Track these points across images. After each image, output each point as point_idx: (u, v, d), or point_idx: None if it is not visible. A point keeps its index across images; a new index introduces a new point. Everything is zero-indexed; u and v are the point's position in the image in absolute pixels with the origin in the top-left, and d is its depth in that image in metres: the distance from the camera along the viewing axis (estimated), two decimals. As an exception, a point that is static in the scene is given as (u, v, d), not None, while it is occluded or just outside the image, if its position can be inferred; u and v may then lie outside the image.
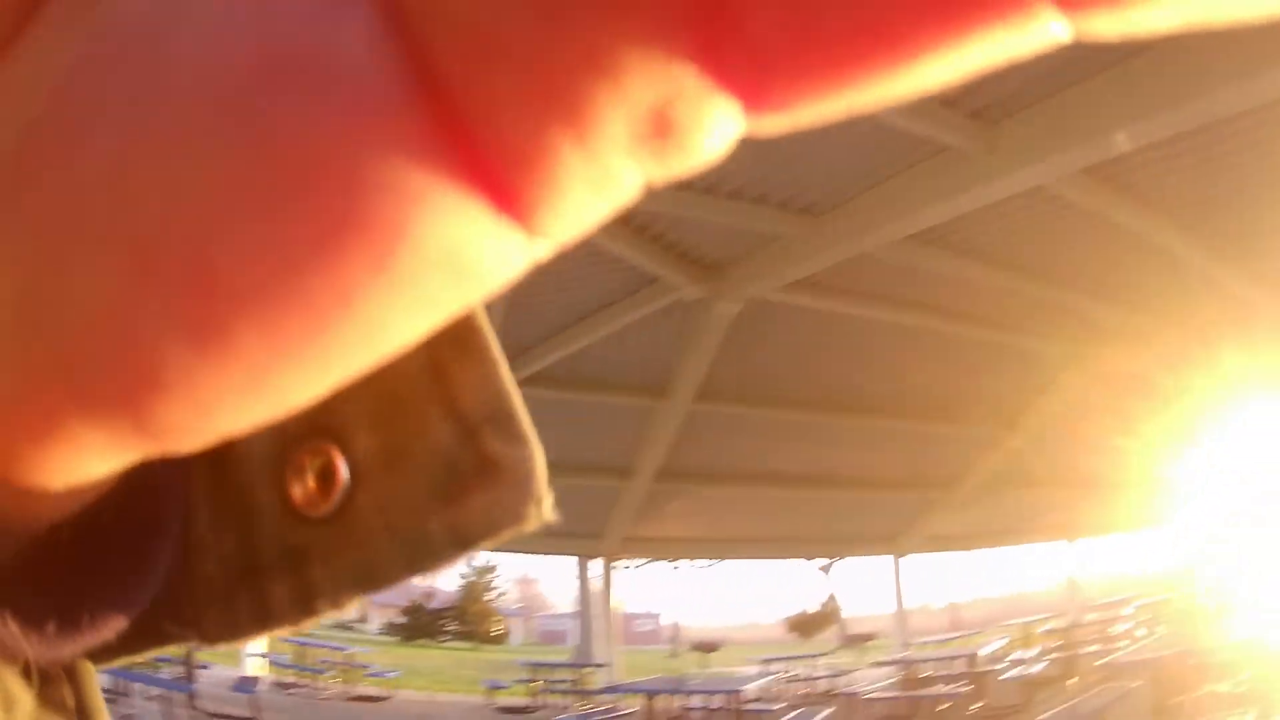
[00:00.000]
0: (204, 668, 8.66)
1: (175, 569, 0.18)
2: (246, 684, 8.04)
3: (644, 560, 18.47)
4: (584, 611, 10.51)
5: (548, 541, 8.91)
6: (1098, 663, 8.11)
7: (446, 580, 28.61)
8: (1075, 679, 7.90)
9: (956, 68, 0.09)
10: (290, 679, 11.07)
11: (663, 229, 4.65)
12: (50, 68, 0.11)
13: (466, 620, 27.40)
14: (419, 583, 13.01)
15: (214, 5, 0.10)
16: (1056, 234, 4.70)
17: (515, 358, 4.20)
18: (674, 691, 8.97)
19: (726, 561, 15.96)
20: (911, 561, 11.31)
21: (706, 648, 23.86)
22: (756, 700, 9.29)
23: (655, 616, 34.00)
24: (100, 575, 0.16)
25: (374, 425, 0.17)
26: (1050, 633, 10.19)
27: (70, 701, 0.17)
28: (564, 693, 10.04)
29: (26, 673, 0.15)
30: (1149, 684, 6.57)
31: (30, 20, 0.11)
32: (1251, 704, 5.59)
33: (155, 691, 7.71)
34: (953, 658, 9.17)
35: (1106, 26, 0.09)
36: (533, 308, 5.02)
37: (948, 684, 8.30)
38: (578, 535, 8.56)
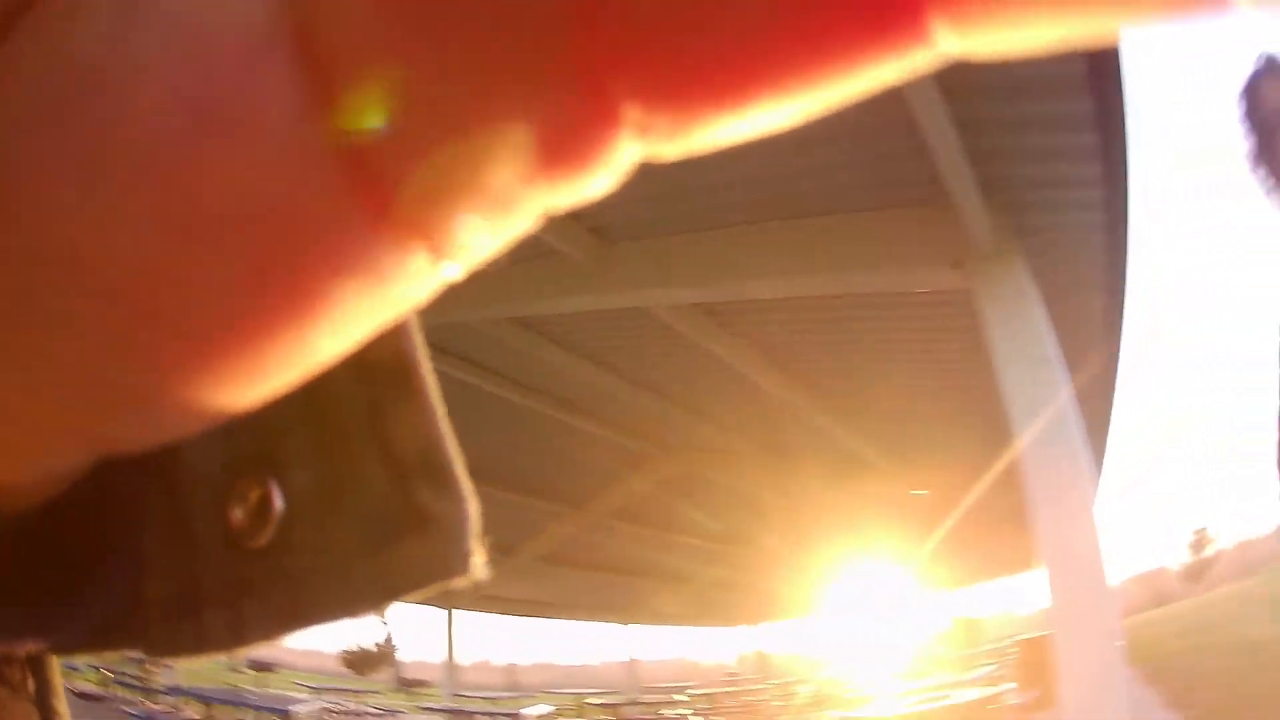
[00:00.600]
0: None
1: (127, 585, 0.18)
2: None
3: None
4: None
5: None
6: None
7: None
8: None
9: (842, 90, 0.09)
10: None
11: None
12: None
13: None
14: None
15: (151, 51, 0.10)
16: (655, 348, 4.94)
17: None
18: (229, 702, 8.98)
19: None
20: (467, 617, 11.44)
21: (262, 666, 22.31)
22: (304, 725, 9.33)
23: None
24: (58, 583, 0.18)
25: (313, 460, 0.17)
26: (601, 706, 10.77)
27: (30, 684, 0.19)
28: (131, 687, 9.67)
29: None
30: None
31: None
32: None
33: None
34: (498, 714, 9.25)
35: (985, 46, 0.09)
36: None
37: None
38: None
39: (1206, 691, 6.82)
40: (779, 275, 3.82)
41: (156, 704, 9.22)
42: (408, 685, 19.89)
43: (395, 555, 0.16)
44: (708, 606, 12.04)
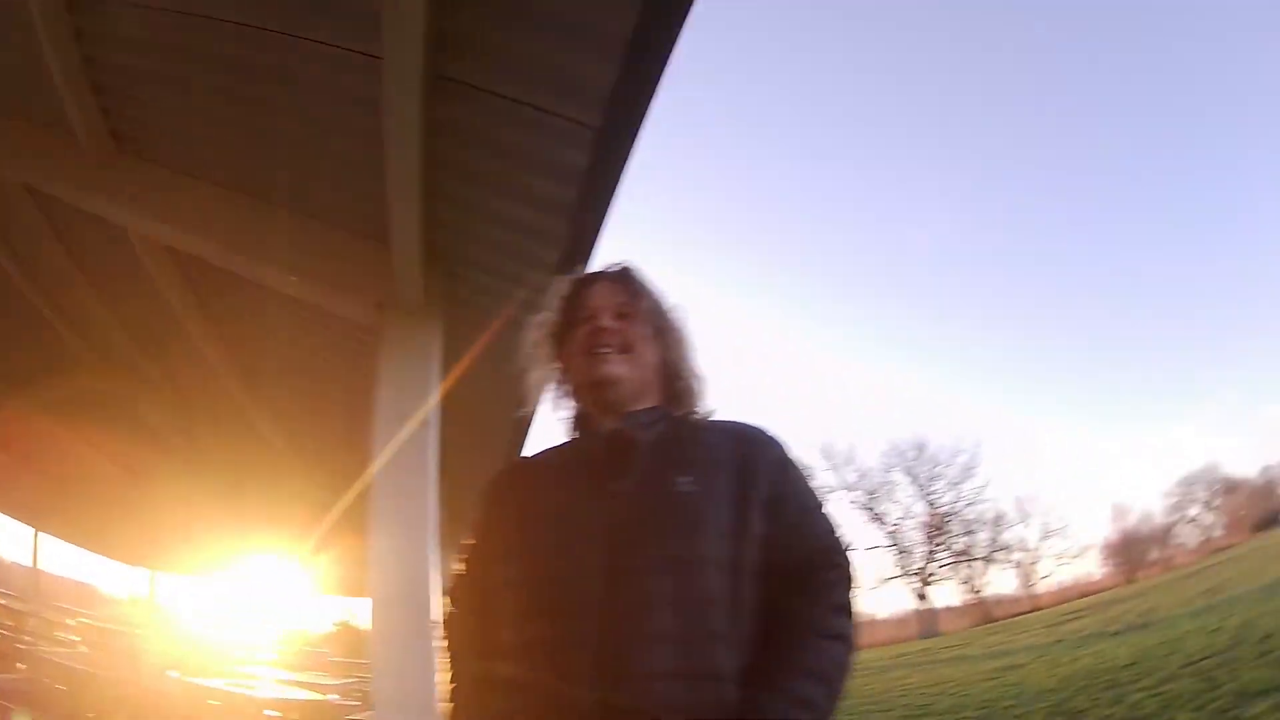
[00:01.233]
0: None
1: None
2: None
3: None
4: None
5: None
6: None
7: None
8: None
9: None
10: None
11: None
12: None
13: None
14: None
15: None
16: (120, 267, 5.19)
17: None
18: None
19: None
20: None
21: None
22: None
23: None
24: None
25: None
26: (5, 609, 10.29)
27: None
28: None
29: None
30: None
31: None
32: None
33: None
34: None
35: None
36: None
37: None
38: None
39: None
40: (231, 251, 3.92)
41: None
42: None
43: None
44: (108, 537, 12.20)
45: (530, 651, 1.16)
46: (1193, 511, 61.12)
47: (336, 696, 9.97)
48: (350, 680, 11.32)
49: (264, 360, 5.66)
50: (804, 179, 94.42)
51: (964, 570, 57.14)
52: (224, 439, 7.18)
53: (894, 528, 56.91)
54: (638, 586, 1.14)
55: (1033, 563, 58.24)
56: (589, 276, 1.49)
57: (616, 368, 1.36)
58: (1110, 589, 49.44)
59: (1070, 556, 60.84)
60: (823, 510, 1.33)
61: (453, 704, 1.28)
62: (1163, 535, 60.09)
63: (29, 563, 13.04)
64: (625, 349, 1.37)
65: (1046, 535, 58.43)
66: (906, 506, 58.18)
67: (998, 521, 57.48)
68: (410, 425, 3.43)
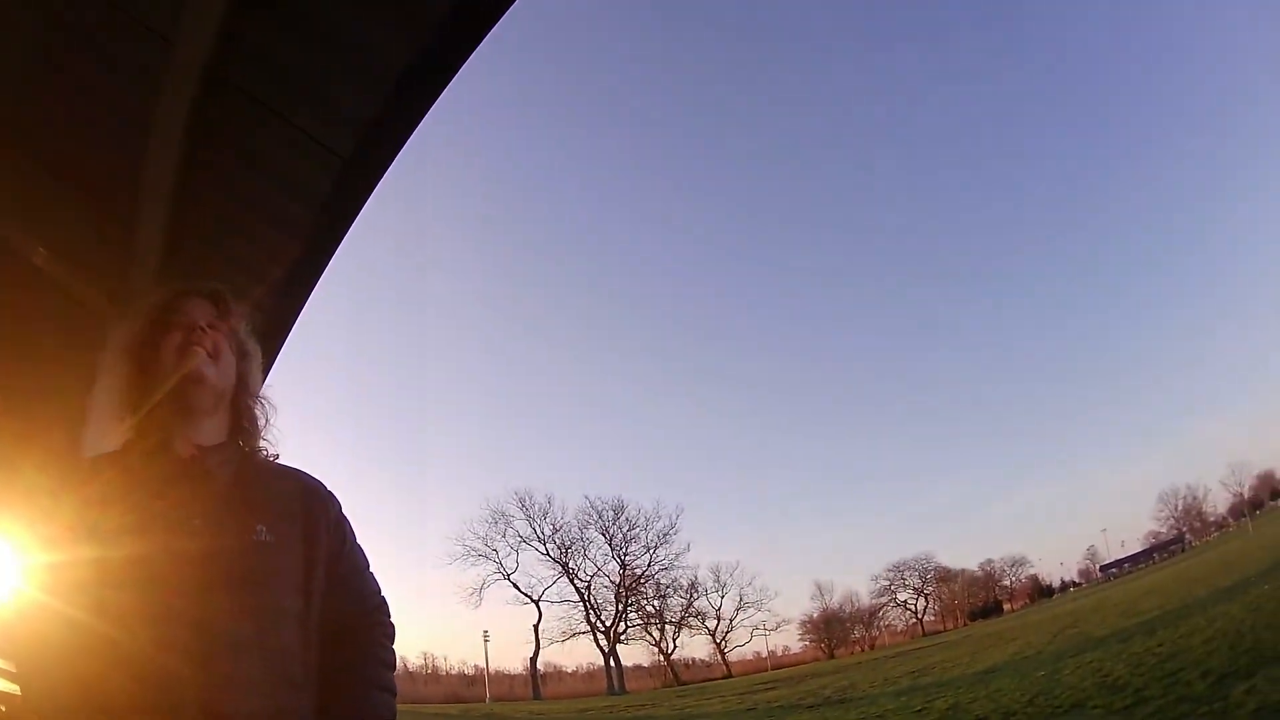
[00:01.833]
0: None
1: None
2: None
3: None
4: None
5: None
6: None
7: None
8: None
9: None
10: None
11: None
12: None
13: None
14: None
15: None
16: None
17: None
18: None
19: None
20: None
21: None
22: None
23: None
24: None
25: None
26: None
27: None
28: None
29: None
30: None
31: None
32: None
33: None
34: None
35: None
36: None
37: None
38: None
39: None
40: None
41: None
42: None
43: None
44: None
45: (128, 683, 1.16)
46: (902, 595, 64.64)
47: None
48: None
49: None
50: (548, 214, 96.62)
51: (654, 631, 56.93)
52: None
53: (586, 584, 56.08)
54: (225, 632, 1.20)
55: (727, 631, 59.01)
56: (183, 289, 1.54)
57: (206, 368, 1.42)
58: (809, 663, 50.62)
59: (768, 628, 62.48)
60: (370, 570, 1.49)
61: None
62: (868, 616, 62.85)
63: None
64: (214, 355, 1.46)
65: (743, 605, 59.75)
66: (600, 564, 57.67)
67: (693, 588, 58.28)
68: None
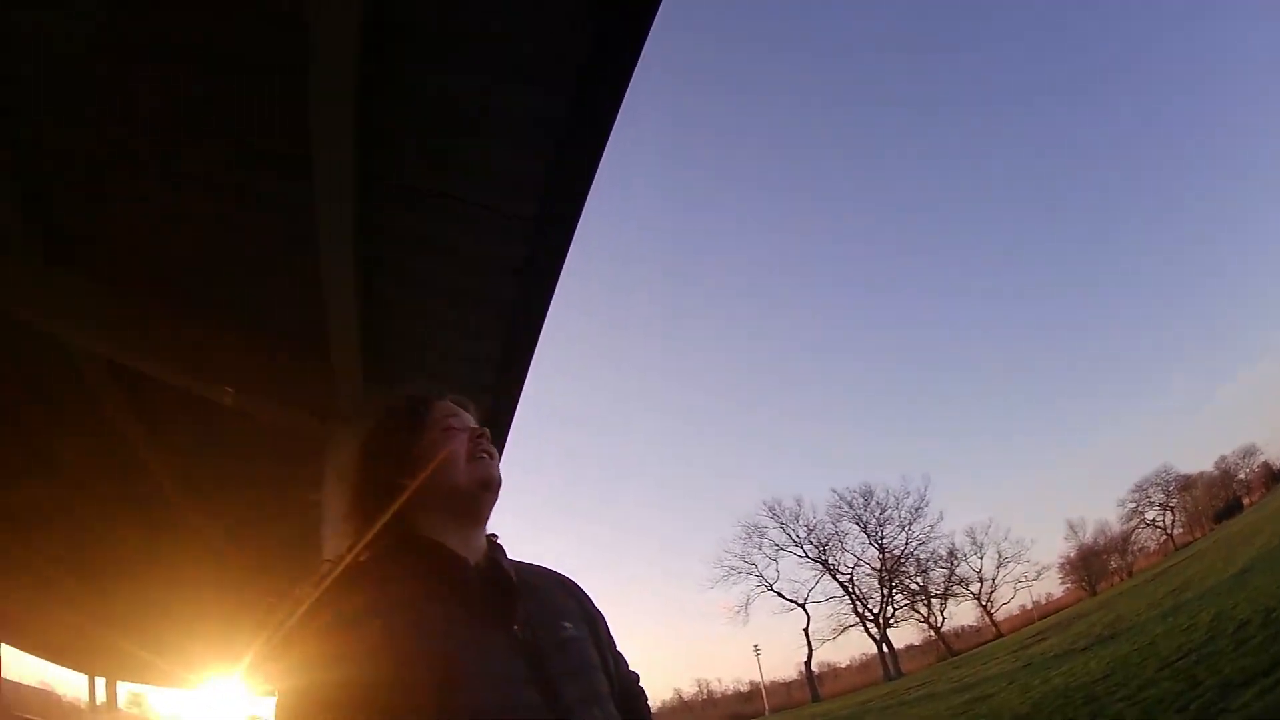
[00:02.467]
0: None
1: None
2: None
3: None
4: None
5: None
6: None
7: None
8: None
9: None
10: None
11: None
12: None
13: None
14: None
15: None
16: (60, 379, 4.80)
17: None
18: None
19: None
20: None
21: None
22: None
23: None
24: None
25: None
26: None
27: None
28: None
29: None
30: None
31: None
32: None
33: None
34: None
35: None
36: None
37: None
38: None
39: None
40: (173, 362, 3.83)
41: None
42: None
43: None
44: (63, 645, 12.06)
45: None
46: (1150, 515, 61.66)
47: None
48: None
49: (204, 469, 5.61)
50: (732, 241, 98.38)
51: (922, 608, 56.89)
52: (169, 546, 6.98)
53: (848, 576, 56.85)
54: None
55: (991, 591, 58.29)
56: (431, 396, 1.49)
57: (498, 473, 1.40)
58: (1073, 605, 49.16)
59: (1029, 580, 61.24)
60: None
61: None
62: (1121, 543, 60.28)
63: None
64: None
65: (1002, 562, 58.86)
66: (859, 554, 58.35)
67: (952, 556, 57.79)
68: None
